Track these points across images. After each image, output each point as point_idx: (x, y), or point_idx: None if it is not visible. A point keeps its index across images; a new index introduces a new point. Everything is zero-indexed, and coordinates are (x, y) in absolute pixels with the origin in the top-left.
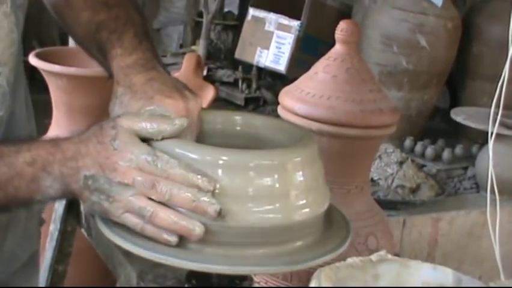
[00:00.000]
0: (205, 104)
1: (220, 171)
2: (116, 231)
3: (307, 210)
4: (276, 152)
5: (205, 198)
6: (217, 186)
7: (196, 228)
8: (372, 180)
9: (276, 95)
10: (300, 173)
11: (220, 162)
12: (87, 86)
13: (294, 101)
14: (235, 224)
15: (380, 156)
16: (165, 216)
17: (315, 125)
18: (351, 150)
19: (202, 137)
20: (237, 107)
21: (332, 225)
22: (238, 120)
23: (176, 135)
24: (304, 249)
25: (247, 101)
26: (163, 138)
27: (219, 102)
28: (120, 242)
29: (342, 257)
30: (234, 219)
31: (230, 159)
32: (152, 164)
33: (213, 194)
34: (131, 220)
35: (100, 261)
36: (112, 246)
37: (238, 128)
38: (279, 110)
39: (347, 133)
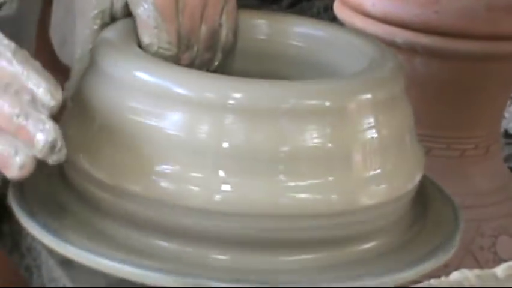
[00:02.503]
0: None
1: (228, 119)
2: (47, 221)
3: (383, 187)
4: (329, 85)
5: (40, 117)
6: (59, 101)
7: (18, 156)
8: (506, 134)
9: None
10: (372, 122)
11: (230, 102)
12: None
13: None
14: (255, 211)
15: None
16: None
17: (401, 35)
18: (468, 81)
19: None
20: (260, 2)
21: (426, 213)
22: (263, 26)
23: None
24: (377, 256)
25: None
26: None
27: None
28: (56, 245)
29: (445, 271)
30: (254, 203)
31: (247, 98)
32: None
33: (51, 113)
34: None
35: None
36: (40, 250)
37: (262, 42)
38: (337, 7)
39: (460, 49)
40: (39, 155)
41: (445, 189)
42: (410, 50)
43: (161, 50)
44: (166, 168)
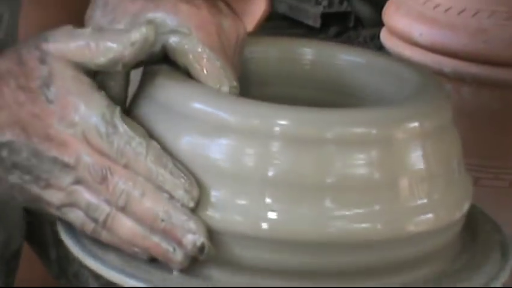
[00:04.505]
0: (251, 25)
1: (274, 146)
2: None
3: (430, 216)
4: (376, 113)
5: (183, 219)
6: (196, 195)
7: (177, 252)
8: None
9: (379, 10)
10: (419, 150)
11: (276, 129)
12: None
13: (411, 19)
14: (301, 239)
15: None
16: (128, 224)
17: (449, 64)
18: None
19: (246, 84)
20: (307, 31)
21: (475, 242)
22: (309, 54)
23: (143, 59)
24: (424, 284)
25: (326, 19)
26: (126, 67)
27: (277, 22)
28: (102, 270)
29: None
30: (300, 230)
31: (293, 125)
32: (105, 138)
33: (193, 211)
34: (78, 217)
35: None
36: (87, 276)
37: (307, 69)
38: (383, 36)
39: (509, 78)
40: (189, 254)
41: (494, 219)
42: (458, 79)
43: (233, 90)
44: (211, 195)
